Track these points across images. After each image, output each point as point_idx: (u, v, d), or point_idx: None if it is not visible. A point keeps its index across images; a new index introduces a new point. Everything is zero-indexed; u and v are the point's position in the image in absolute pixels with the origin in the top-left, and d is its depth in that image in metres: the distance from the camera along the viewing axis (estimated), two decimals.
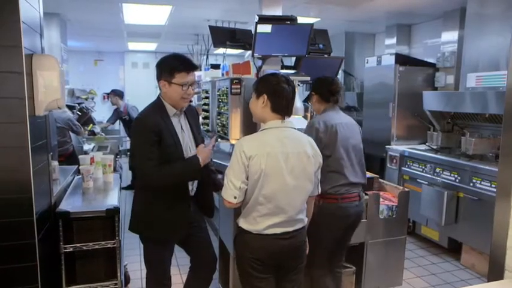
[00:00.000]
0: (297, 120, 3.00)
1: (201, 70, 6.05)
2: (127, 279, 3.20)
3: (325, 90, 2.52)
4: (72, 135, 4.79)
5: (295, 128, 1.99)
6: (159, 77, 2.16)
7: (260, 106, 1.94)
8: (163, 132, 2.08)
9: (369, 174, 3.04)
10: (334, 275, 2.59)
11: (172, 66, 2.11)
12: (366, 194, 2.81)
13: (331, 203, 2.38)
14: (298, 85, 3.34)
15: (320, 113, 2.56)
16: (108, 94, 6.14)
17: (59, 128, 4.27)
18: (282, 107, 1.92)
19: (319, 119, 2.46)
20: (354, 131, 2.53)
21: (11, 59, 1.82)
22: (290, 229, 1.93)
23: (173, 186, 2.15)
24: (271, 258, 1.94)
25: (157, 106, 2.18)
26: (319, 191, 2.12)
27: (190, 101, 2.28)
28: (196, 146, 2.30)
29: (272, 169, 1.84)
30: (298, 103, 3.22)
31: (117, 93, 6.15)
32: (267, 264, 1.94)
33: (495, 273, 1.70)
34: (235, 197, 1.87)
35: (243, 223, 1.96)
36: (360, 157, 2.52)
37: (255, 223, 1.91)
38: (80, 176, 2.91)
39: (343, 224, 2.44)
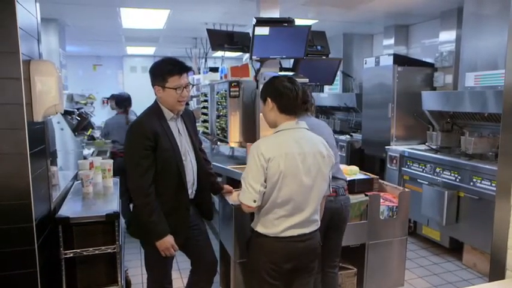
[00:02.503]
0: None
1: (199, 73, 6.06)
2: (128, 284, 3.19)
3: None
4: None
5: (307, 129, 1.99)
6: (153, 83, 2.17)
7: (268, 111, 1.95)
8: (160, 136, 2.08)
9: (369, 175, 3.04)
10: (326, 275, 2.58)
11: (164, 70, 2.11)
12: (366, 195, 2.81)
13: None
14: None
15: None
16: (108, 99, 6.15)
17: None
18: (289, 107, 1.91)
19: None
20: (323, 131, 2.45)
21: (9, 65, 1.82)
22: (306, 231, 1.93)
23: (172, 189, 2.16)
24: (288, 261, 1.92)
25: (154, 110, 2.19)
26: (331, 191, 2.11)
27: (187, 104, 2.29)
28: (194, 149, 2.30)
29: (290, 170, 1.83)
30: None
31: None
32: (282, 269, 1.93)
33: (496, 273, 1.69)
34: (254, 201, 1.85)
35: (259, 227, 1.94)
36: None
37: (272, 226, 1.90)
38: (79, 181, 2.90)
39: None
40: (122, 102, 4.83)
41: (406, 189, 3.03)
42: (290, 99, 1.89)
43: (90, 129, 5.78)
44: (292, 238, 1.90)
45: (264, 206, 1.90)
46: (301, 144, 1.89)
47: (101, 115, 7.02)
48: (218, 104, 3.82)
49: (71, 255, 2.33)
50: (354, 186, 2.80)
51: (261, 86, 3.17)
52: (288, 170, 1.83)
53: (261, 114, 3.21)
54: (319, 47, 3.70)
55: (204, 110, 4.44)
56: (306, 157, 1.87)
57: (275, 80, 1.96)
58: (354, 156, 5.52)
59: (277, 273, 1.93)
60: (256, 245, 1.97)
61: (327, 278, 2.59)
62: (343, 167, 2.82)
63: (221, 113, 3.75)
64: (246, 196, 1.87)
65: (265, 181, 1.85)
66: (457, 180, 3.72)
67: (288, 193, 1.85)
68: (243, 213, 2.35)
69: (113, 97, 6.12)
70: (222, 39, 3.54)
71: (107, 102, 6.21)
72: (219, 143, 4.18)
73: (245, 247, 2.33)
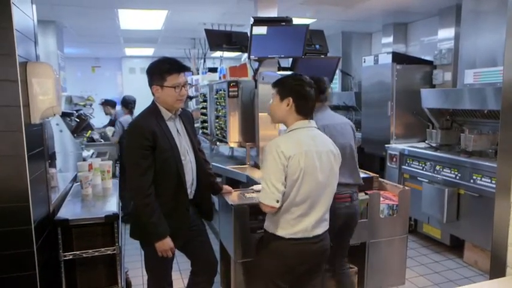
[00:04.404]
0: None
1: (198, 74, 6.06)
2: (128, 285, 3.18)
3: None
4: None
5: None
6: (150, 83, 2.16)
7: (284, 109, 1.94)
8: (158, 136, 2.08)
9: (368, 174, 3.03)
10: (341, 275, 2.61)
11: (162, 69, 2.11)
12: (366, 194, 2.80)
13: None
14: None
15: None
16: (101, 104, 6.22)
17: None
18: (307, 110, 1.94)
19: None
20: (344, 131, 2.49)
21: (5, 67, 1.81)
22: (320, 231, 1.94)
23: (172, 190, 2.15)
24: (303, 263, 1.94)
25: (152, 111, 2.18)
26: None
27: (190, 98, 2.27)
28: (193, 149, 2.29)
29: (309, 168, 1.85)
30: None
31: (109, 103, 6.22)
32: (296, 271, 1.94)
33: (497, 270, 1.68)
34: (277, 201, 1.84)
35: (274, 229, 1.93)
36: (350, 157, 2.49)
37: (289, 227, 1.90)
38: (79, 183, 2.90)
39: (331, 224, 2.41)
40: (128, 103, 5.43)
41: (406, 188, 3.02)
42: (310, 104, 1.94)
43: (89, 131, 5.77)
44: (308, 240, 1.90)
45: (281, 206, 1.88)
46: (317, 142, 1.91)
47: (100, 117, 7.00)
48: (217, 104, 3.81)
49: (71, 257, 2.32)
50: None
51: (260, 86, 3.19)
52: (307, 168, 1.84)
53: (260, 113, 3.22)
54: (317, 46, 3.69)
55: (203, 111, 4.43)
56: (321, 155, 1.90)
57: (298, 82, 1.94)
58: None
59: (290, 275, 1.94)
60: (271, 248, 1.95)
61: (343, 277, 2.60)
62: None
63: (220, 113, 3.74)
64: (269, 196, 1.85)
65: (285, 180, 1.85)
66: (457, 177, 3.72)
67: (306, 191, 1.86)
68: (243, 213, 2.36)
69: (107, 102, 6.19)
70: (220, 39, 3.53)
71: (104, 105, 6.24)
72: (218, 143, 4.17)
73: (247, 247, 2.32)
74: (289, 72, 3.48)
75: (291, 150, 1.83)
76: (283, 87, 1.96)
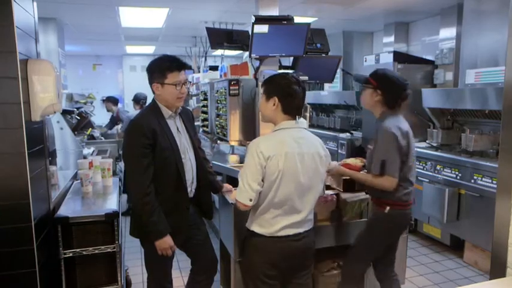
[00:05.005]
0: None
1: (199, 72, 6.05)
2: (128, 284, 3.18)
3: (395, 96, 2.30)
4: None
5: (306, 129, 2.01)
6: (151, 81, 2.16)
7: (270, 108, 1.93)
8: (158, 134, 2.07)
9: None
10: (391, 280, 2.58)
11: (163, 67, 2.11)
12: (367, 193, 2.78)
13: (400, 209, 2.30)
14: None
15: (381, 115, 2.40)
16: (103, 100, 6.27)
17: None
18: (293, 108, 1.92)
19: (392, 124, 2.24)
20: (413, 137, 2.43)
21: (6, 65, 1.80)
22: (301, 230, 1.93)
23: (171, 188, 2.15)
24: (285, 260, 1.93)
25: (152, 109, 2.18)
26: (325, 192, 2.10)
27: (192, 93, 2.27)
28: (193, 147, 2.29)
29: (289, 170, 1.83)
30: None
31: (111, 100, 6.25)
32: (279, 268, 1.93)
33: (497, 270, 1.68)
34: (250, 200, 1.85)
35: (254, 226, 1.94)
36: (414, 162, 2.45)
37: (268, 225, 1.90)
38: (79, 181, 2.90)
39: (401, 230, 2.41)
40: (140, 100, 5.64)
41: None
42: (297, 102, 1.91)
43: (90, 129, 5.78)
44: (288, 237, 1.90)
45: (260, 205, 1.89)
46: (301, 144, 1.88)
47: (100, 114, 7.02)
48: (218, 103, 3.80)
49: (71, 254, 2.33)
50: (354, 185, 2.78)
51: (260, 84, 3.18)
52: (287, 170, 1.83)
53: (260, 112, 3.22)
54: (318, 45, 3.68)
55: (204, 109, 4.43)
56: (304, 157, 1.87)
57: (284, 81, 1.93)
58: (355, 154, 5.50)
59: (273, 272, 1.93)
60: (252, 245, 1.96)
61: (394, 283, 2.57)
62: (349, 160, 2.75)
63: (221, 112, 3.74)
64: (243, 195, 1.86)
65: (262, 180, 1.84)
66: (458, 177, 3.71)
67: (285, 193, 1.85)
68: (243, 212, 2.35)
69: (109, 99, 6.22)
70: (221, 37, 3.52)
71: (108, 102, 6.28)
72: (219, 141, 4.17)
73: (242, 247, 2.33)
74: (289, 71, 3.48)
75: (271, 151, 1.82)
76: (268, 86, 1.95)
